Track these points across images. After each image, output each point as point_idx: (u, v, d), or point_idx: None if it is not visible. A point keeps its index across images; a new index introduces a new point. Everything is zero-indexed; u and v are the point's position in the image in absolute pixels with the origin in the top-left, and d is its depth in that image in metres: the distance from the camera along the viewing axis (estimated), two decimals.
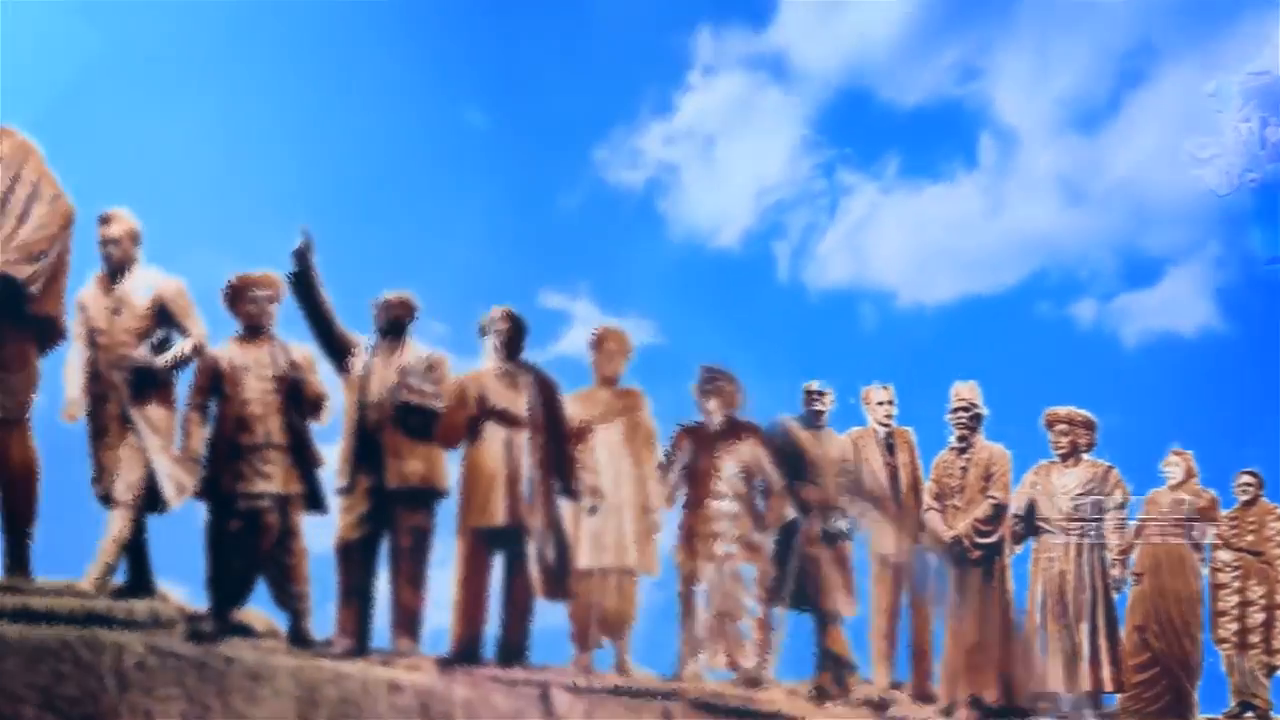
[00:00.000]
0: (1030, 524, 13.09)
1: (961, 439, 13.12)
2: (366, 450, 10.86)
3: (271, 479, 10.42)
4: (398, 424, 10.85)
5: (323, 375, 10.88)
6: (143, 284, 10.33)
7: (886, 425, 13.35)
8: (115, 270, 10.37)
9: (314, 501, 10.65)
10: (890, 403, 13.38)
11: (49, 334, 9.91)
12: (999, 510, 12.88)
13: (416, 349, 11.13)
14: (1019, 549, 13.11)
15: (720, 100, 24.73)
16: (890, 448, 13.29)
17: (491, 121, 23.99)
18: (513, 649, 11.06)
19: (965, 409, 13.08)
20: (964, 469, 12.94)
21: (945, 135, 24.87)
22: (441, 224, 22.98)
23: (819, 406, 12.91)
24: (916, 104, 24.73)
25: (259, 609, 10.76)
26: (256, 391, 10.48)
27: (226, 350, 10.59)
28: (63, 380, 10.14)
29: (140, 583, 10.32)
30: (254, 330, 10.68)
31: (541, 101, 23.73)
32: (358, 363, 11.04)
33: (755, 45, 24.71)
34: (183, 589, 10.50)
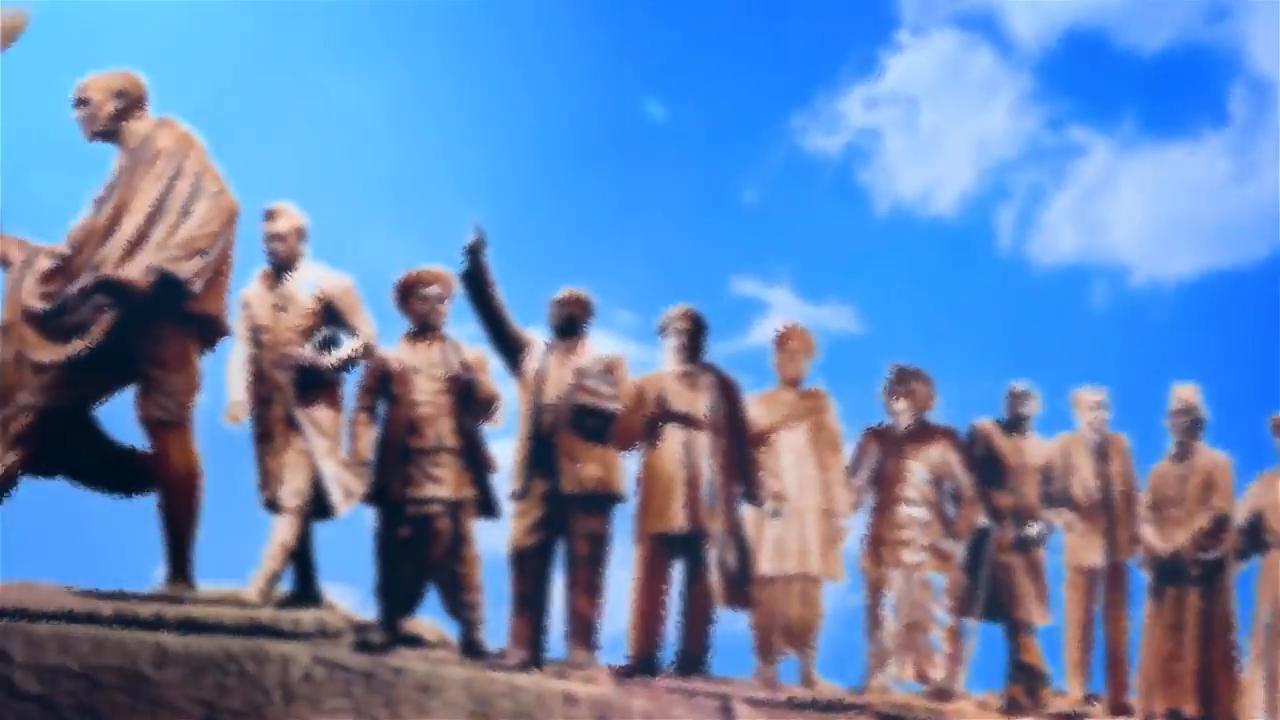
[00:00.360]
0: (1256, 538, 12.49)
1: (1180, 445, 12.65)
2: (541, 453, 10.70)
3: (442, 483, 10.21)
4: (574, 426, 10.68)
5: (496, 375, 10.75)
6: (308, 280, 10.20)
7: (1099, 431, 12.81)
8: (280, 266, 10.24)
9: (486, 507, 10.44)
10: (1102, 405, 12.85)
11: (211, 333, 9.79)
12: (1221, 523, 12.29)
13: (594, 349, 10.99)
14: (1244, 565, 12.50)
15: (930, 59, 23.84)
16: (1103, 455, 12.73)
17: (680, 97, 23.52)
18: (693, 659, 10.99)
19: (1184, 413, 12.55)
20: (1182, 477, 12.43)
21: (1190, 86, 23.63)
22: (629, 209, 22.66)
23: (1023, 409, 12.59)
24: (1158, 50, 23.53)
25: (429, 618, 10.66)
26: (427, 393, 10.29)
27: (396, 350, 10.44)
28: (225, 381, 10.07)
29: (306, 591, 10.22)
30: (425, 329, 10.50)
31: (735, 72, 23.20)
32: (532, 363, 10.86)
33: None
34: (350, 598, 10.45)
